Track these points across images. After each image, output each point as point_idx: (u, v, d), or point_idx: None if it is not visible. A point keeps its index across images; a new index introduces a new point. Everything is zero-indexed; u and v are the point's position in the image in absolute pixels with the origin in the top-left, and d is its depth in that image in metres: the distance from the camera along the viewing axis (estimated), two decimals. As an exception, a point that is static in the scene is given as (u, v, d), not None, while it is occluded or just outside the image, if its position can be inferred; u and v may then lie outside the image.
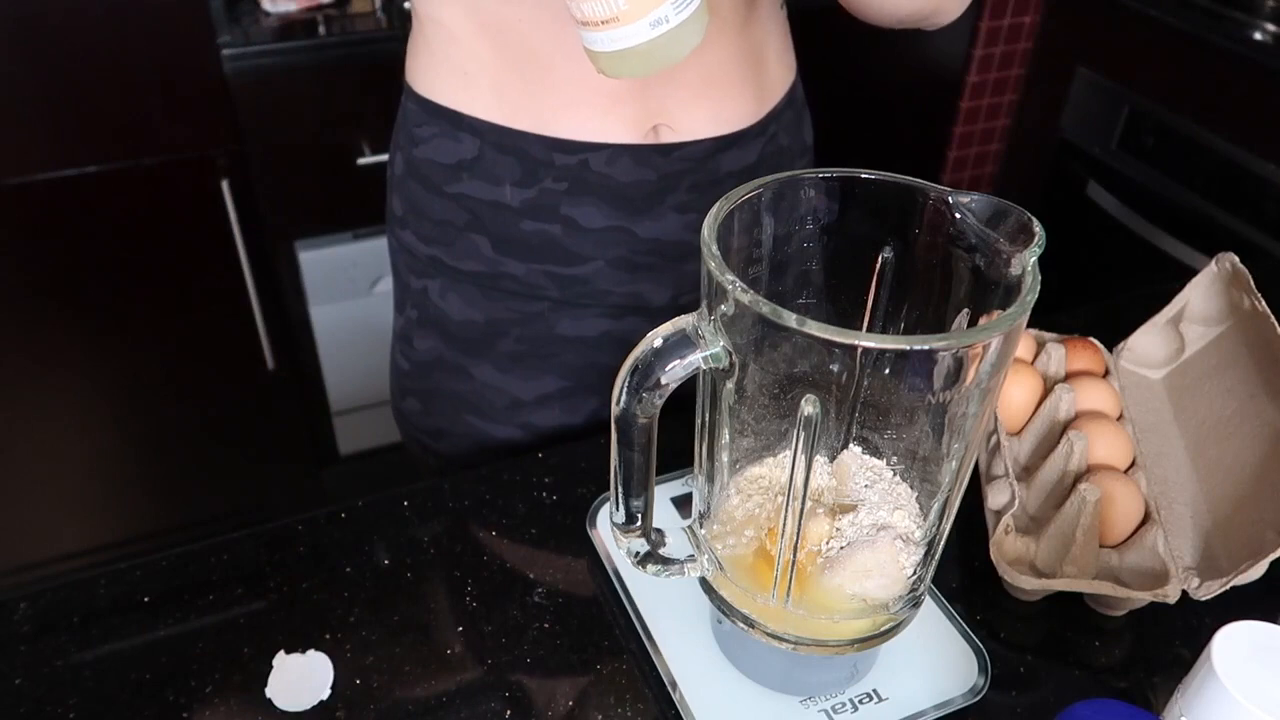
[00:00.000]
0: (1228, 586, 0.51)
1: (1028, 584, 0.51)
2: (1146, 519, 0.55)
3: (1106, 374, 0.65)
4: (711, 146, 0.66)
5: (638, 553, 0.46)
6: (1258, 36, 1.46)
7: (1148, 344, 0.69)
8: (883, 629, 0.44)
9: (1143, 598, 0.50)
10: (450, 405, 0.73)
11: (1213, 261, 0.66)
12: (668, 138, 0.65)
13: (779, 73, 0.71)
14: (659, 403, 0.39)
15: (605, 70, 0.46)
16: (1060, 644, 0.52)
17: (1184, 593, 0.52)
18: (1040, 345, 0.67)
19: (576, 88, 0.62)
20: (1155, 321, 0.68)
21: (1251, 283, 0.62)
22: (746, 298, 0.35)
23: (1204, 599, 0.51)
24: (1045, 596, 0.53)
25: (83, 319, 1.40)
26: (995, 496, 0.56)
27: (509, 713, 0.47)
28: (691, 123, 0.65)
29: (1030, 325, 0.65)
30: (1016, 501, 0.55)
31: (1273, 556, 0.50)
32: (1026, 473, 0.60)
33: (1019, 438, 0.62)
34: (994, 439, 0.60)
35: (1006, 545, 0.54)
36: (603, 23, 0.44)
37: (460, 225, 0.68)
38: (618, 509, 0.44)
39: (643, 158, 0.64)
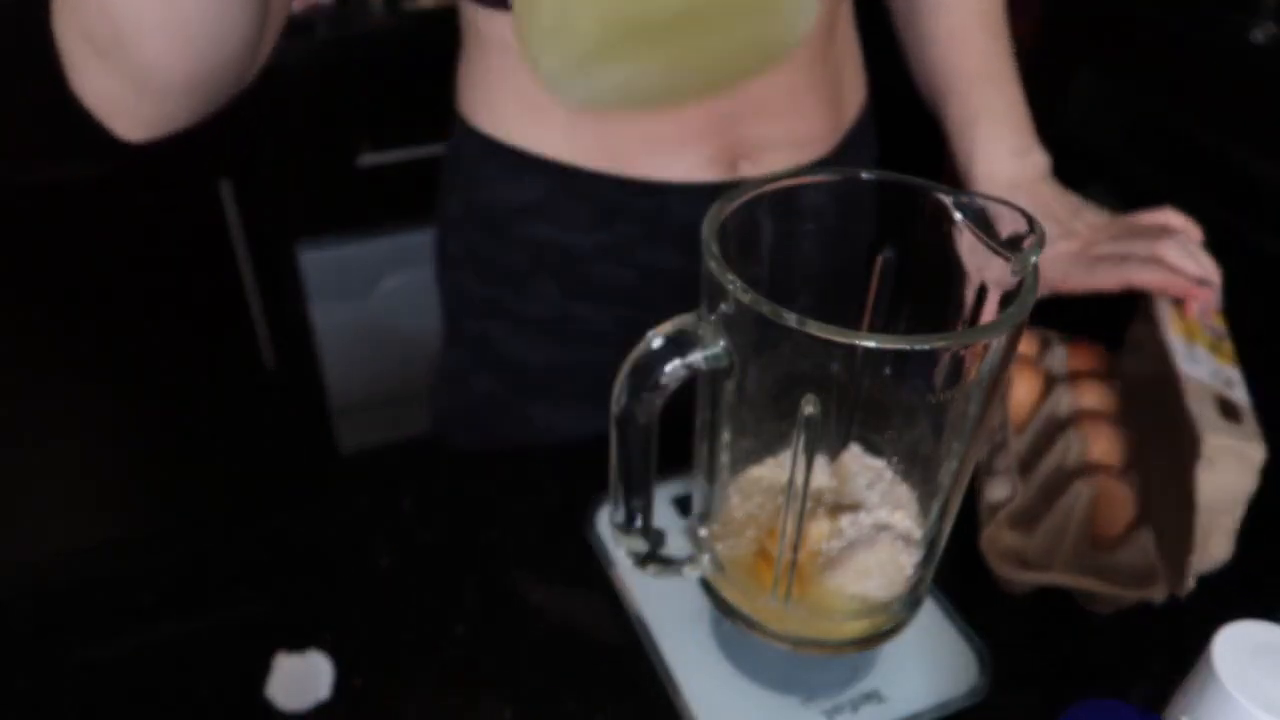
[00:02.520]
0: (1194, 577, 0.51)
1: (1016, 576, 0.51)
2: (1139, 519, 0.55)
3: (1109, 374, 0.65)
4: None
5: (638, 553, 0.46)
6: (1258, 36, 1.46)
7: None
8: (883, 629, 0.44)
9: (1129, 596, 0.51)
10: (506, 442, 0.72)
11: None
12: (747, 173, 0.61)
13: (854, 93, 0.68)
14: (659, 403, 0.39)
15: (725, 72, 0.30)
16: (1060, 645, 0.52)
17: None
18: (1044, 343, 0.67)
19: (659, 120, 0.58)
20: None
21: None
22: (746, 298, 0.35)
23: (1184, 595, 0.51)
24: (1040, 594, 0.53)
25: (82, 318, 1.40)
26: (994, 490, 0.56)
27: (508, 713, 0.47)
28: (772, 155, 0.62)
29: (1032, 324, 0.65)
30: (1017, 496, 0.55)
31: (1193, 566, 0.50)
32: (1023, 469, 0.60)
33: (1018, 434, 0.62)
34: (1001, 434, 0.60)
35: (1003, 538, 0.54)
36: None
37: (526, 270, 0.64)
38: (618, 509, 0.44)
39: None
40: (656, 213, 0.61)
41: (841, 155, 0.66)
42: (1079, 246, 0.63)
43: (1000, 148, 0.66)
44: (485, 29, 0.60)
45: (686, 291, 0.64)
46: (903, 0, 0.70)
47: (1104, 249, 0.61)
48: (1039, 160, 0.67)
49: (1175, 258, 0.58)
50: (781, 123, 0.61)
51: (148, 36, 0.43)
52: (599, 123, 0.59)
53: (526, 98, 0.60)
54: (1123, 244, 0.61)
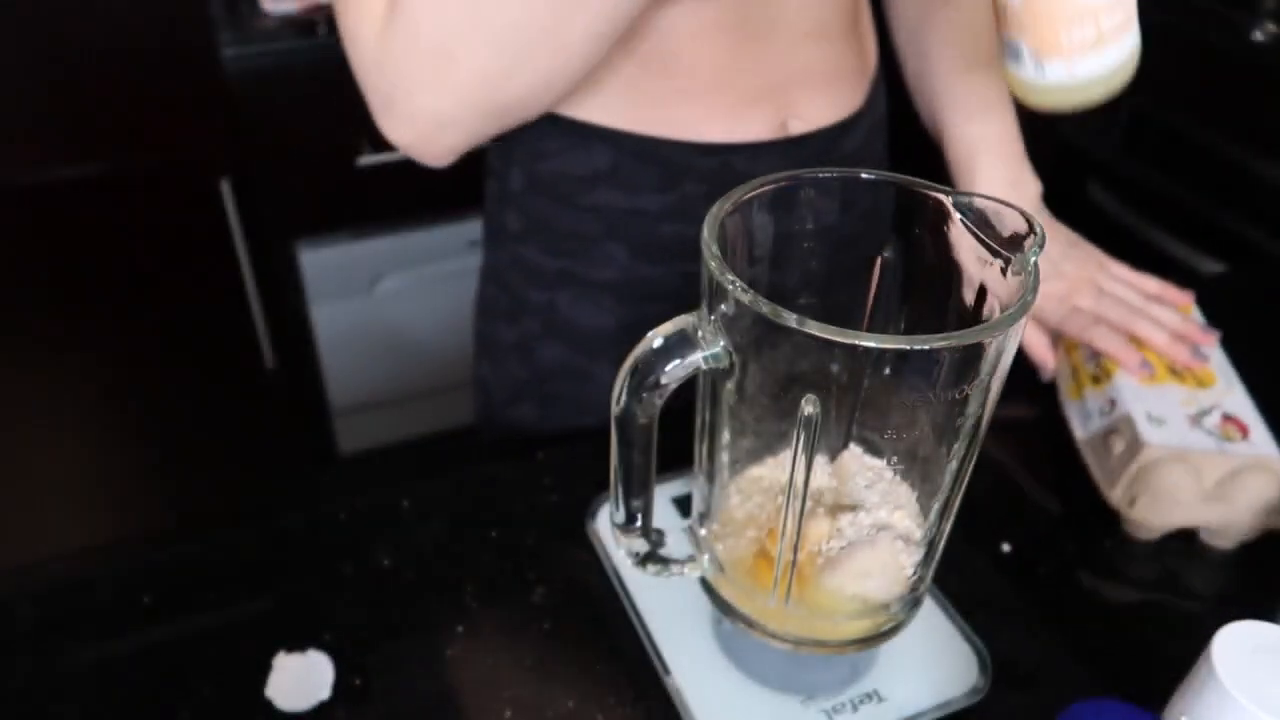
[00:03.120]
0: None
1: (1149, 519, 0.55)
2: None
3: None
4: (835, 133, 0.67)
5: (638, 553, 0.46)
6: (1258, 36, 1.46)
7: None
8: (883, 629, 0.44)
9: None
10: (570, 409, 0.73)
11: None
12: (796, 130, 0.65)
13: (872, 51, 0.73)
14: (659, 403, 0.39)
15: (1045, 103, 0.42)
16: (1061, 643, 0.52)
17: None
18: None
19: (715, 93, 0.62)
20: None
21: None
22: (746, 298, 0.35)
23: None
24: (1039, 595, 0.53)
25: (83, 318, 1.40)
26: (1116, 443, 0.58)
27: (509, 713, 0.47)
28: (816, 115, 0.66)
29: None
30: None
31: None
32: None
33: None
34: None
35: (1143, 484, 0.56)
36: (1086, 45, 0.39)
37: (594, 235, 0.66)
38: (618, 509, 0.44)
39: (781, 153, 0.65)
40: (720, 170, 0.64)
41: (870, 109, 0.71)
42: (1064, 289, 0.67)
43: (996, 181, 0.69)
44: None
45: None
46: (906, 33, 0.74)
47: (1084, 302, 0.66)
48: (1032, 189, 0.70)
49: (1146, 331, 0.64)
50: (824, 89, 0.67)
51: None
52: (659, 95, 0.62)
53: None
54: (1103, 304, 0.66)
